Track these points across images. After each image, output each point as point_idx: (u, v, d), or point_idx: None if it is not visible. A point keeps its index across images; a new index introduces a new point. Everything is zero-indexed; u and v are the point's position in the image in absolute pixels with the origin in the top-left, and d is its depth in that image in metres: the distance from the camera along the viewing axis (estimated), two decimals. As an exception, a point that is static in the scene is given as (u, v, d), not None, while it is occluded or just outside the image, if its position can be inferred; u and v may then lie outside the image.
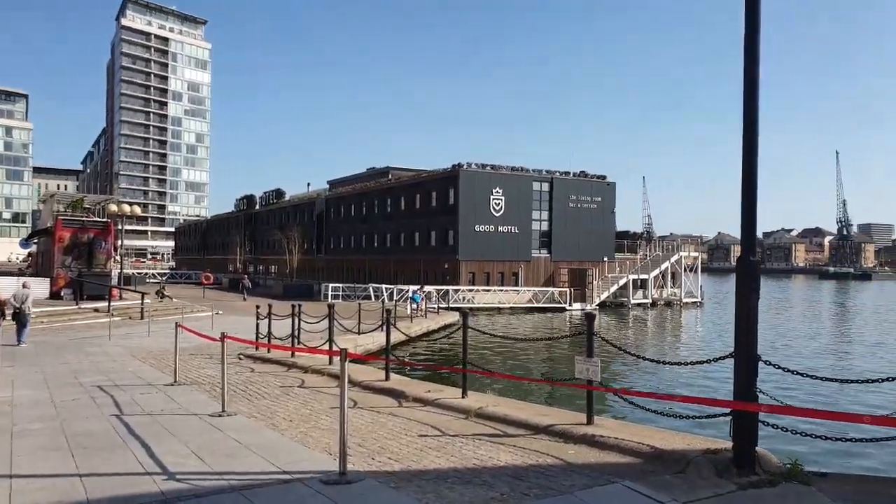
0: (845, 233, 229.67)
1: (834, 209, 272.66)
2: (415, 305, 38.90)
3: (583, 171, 66.52)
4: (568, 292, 56.78)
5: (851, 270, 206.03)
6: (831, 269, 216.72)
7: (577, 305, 56.16)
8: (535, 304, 55.09)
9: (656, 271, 64.46)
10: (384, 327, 15.86)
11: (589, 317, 10.31)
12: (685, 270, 67.06)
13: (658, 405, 13.08)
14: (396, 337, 24.02)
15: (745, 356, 7.94)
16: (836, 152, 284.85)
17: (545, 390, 21.23)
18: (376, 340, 25.10)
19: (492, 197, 59.35)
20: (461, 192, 58.38)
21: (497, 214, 59.49)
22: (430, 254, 60.74)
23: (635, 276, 62.56)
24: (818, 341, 37.03)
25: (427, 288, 48.95)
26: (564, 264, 61.78)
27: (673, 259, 66.59)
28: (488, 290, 54.41)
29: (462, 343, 12.95)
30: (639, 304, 61.30)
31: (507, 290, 55.30)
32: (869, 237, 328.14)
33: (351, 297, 52.43)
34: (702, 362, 9.75)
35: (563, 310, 54.68)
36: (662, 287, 65.28)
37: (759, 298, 7.59)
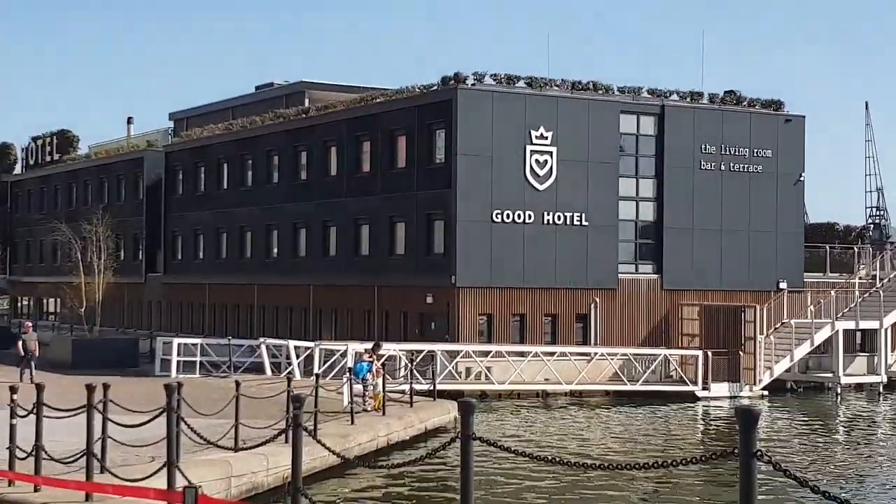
0: None
1: None
2: (362, 386, 30.26)
3: (730, 92, 48.03)
4: (701, 359, 42.00)
5: None
6: None
7: (721, 387, 42.21)
8: (627, 387, 41.75)
9: None
10: (290, 437, 12.38)
11: (746, 415, 6.96)
12: None
13: None
14: (321, 459, 20.34)
15: None
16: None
17: None
18: (274, 465, 19.75)
19: (529, 148, 44.10)
20: (461, 136, 44.02)
21: (540, 187, 44.20)
22: (394, 274, 47.50)
23: (851, 325, 44.71)
24: None
25: (388, 348, 38.27)
26: (692, 296, 46.56)
27: None
28: (522, 354, 41.81)
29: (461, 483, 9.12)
30: (859, 386, 45.91)
31: (562, 354, 42.55)
32: None
33: (221, 366, 43.88)
34: None
35: (692, 397, 41.27)
36: None
37: None
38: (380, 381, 29.35)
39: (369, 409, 28.14)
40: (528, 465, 22.93)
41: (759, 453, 6.76)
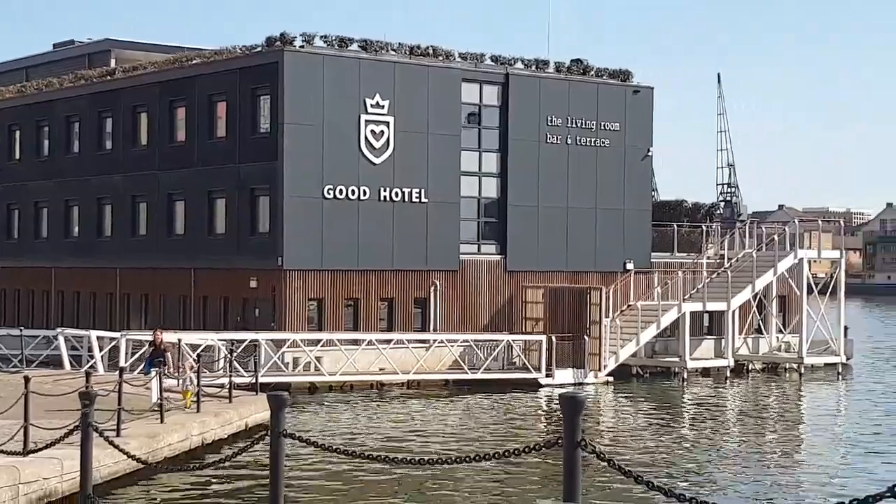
0: None
1: None
2: (161, 377, 28.49)
3: (577, 61, 49.51)
4: (544, 345, 42.71)
5: None
6: None
7: (565, 374, 43.07)
8: (468, 375, 42.19)
9: (745, 294, 47.49)
10: (83, 437, 13.32)
11: (570, 404, 7.33)
12: (813, 292, 50.29)
13: None
14: (126, 462, 19.40)
15: None
16: None
17: None
18: (70, 469, 18.75)
19: (364, 118, 44.49)
20: (288, 104, 44.17)
21: (377, 160, 44.75)
22: (213, 255, 47.00)
23: (698, 307, 46.25)
24: None
25: (206, 338, 38.91)
26: (536, 278, 47.32)
27: (784, 266, 48.65)
28: (355, 342, 42.20)
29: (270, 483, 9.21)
30: (706, 371, 47.55)
31: (399, 341, 42.87)
32: None
33: (11, 360, 43.19)
34: None
35: (535, 385, 42.00)
36: (761, 329, 49.82)
37: None
38: (187, 374, 29.15)
39: (181, 403, 27.74)
40: (354, 463, 23.18)
41: (583, 442, 7.03)
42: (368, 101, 42.95)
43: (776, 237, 49.53)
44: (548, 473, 22.55)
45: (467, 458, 8.48)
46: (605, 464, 7.30)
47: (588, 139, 47.28)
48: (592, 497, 18.30)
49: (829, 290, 49.92)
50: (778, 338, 49.45)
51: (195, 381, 28.29)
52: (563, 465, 7.18)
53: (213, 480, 22.55)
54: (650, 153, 49.27)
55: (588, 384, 41.45)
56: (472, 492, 22.03)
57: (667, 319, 44.40)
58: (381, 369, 40.50)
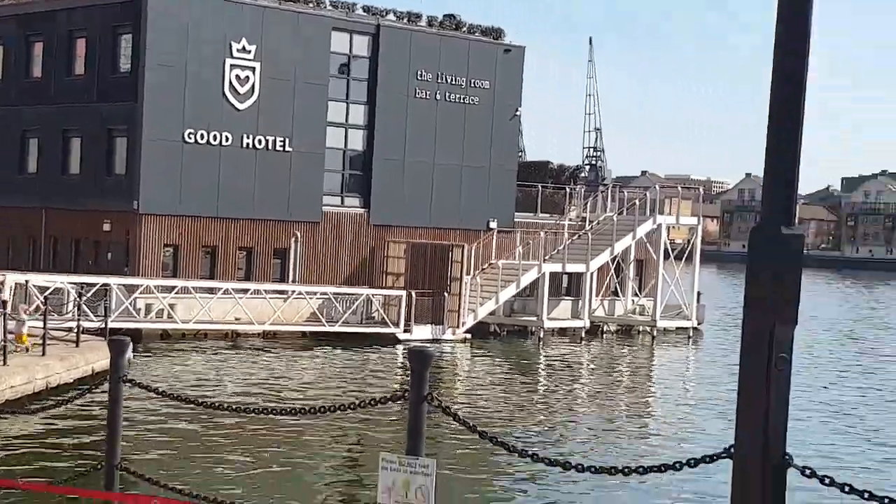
0: None
1: None
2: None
3: (450, 16, 49.27)
4: (405, 299, 42.60)
5: None
6: None
7: (423, 330, 42.99)
8: (326, 328, 41.78)
9: (604, 257, 47.84)
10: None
11: (418, 358, 7.18)
12: (670, 257, 50.73)
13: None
14: None
15: (756, 458, 5.12)
16: None
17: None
18: None
19: (229, 62, 43.23)
20: (150, 44, 42.51)
21: (241, 106, 43.54)
22: (66, 196, 45.21)
23: (557, 267, 46.43)
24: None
25: (41, 280, 37.11)
26: (400, 233, 47.04)
27: (643, 230, 49.11)
28: (211, 291, 41.13)
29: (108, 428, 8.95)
30: (563, 331, 47.75)
31: (257, 292, 42.11)
32: None
33: None
34: (658, 469, 6.11)
35: (393, 340, 41.83)
36: (617, 292, 50.49)
37: (794, 326, 5.02)
38: (24, 317, 28.25)
39: (17, 347, 27.05)
40: (201, 413, 22.78)
41: (429, 397, 6.98)
42: (234, 46, 41.96)
43: (637, 202, 50.01)
44: (399, 428, 22.54)
45: (312, 410, 8.35)
46: (453, 419, 7.27)
47: (457, 96, 47.05)
48: (440, 452, 18.32)
49: (686, 256, 50.59)
50: (633, 301, 50.07)
51: (37, 325, 27.63)
52: (408, 419, 7.12)
53: (54, 425, 21.97)
54: (518, 113, 49.28)
55: (446, 341, 41.52)
56: (321, 445, 21.87)
57: (526, 279, 44.62)
58: (236, 319, 39.83)
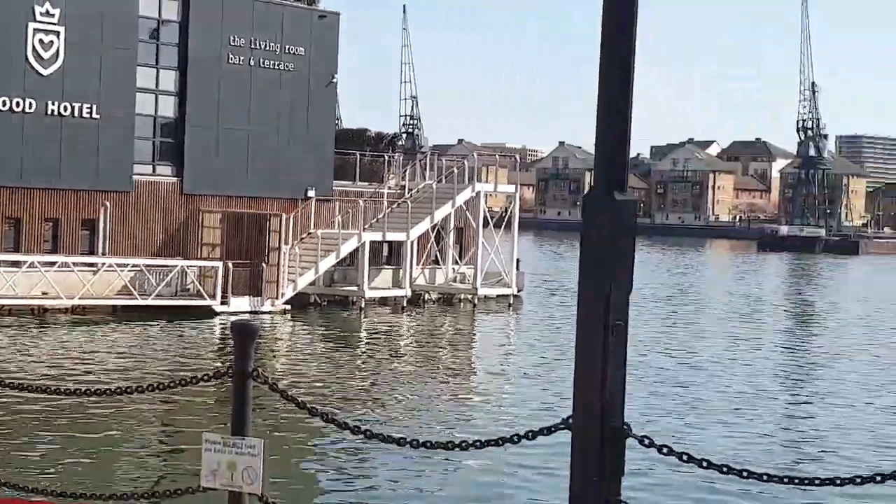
0: (813, 153, 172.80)
1: (794, 103, 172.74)
2: None
3: None
4: (221, 271, 41.73)
5: (822, 233, 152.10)
6: (783, 228, 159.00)
7: (241, 302, 42.05)
8: (139, 301, 40.50)
9: (424, 225, 47.90)
10: None
11: (242, 331, 6.90)
12: (489, 225, 50.75)
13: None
14: None
15: (595, 427, 5.09)
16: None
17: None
18: None
19: (32, 26, 41.24)
20: None
21: (45, 72, 41.66)
22: None
23: (378, 236, 46.55)
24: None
25: None
26: (214, 202, 45.71)
27: (462, 198, 49.14)
28: (16, 264, 39.51)
29: None
30: (384, 301, 47.68)
31: (64, 264, 40.42)
32: (859, 165, 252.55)
33: None
34: (495, 443, 5.94)
35: (210, 312, 40.78)
36: (437, 260, 50.49)
37: (629, 292, 5.05)
38: None
39: None
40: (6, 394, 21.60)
41: (254, 373, 6.73)
42: (38, 9, 40.18)
43: (455, 170, 50.35)
44: (221, 405, 22.04)
45: (129, 390, 7.97)
46: (279, 395, 7.03)
47: (272, 62, 46.20)
48: (265, 429, 17.87)
49: (504, 223, 51.03)
50: (454, 269, 50.31)
51: None
52: (232, 396, 6.85)
53: None
54: (335, 80, 48.74)
55: (265, 312, 40.93)
56: (138, 424, 21.14)
57: (346, 248, 44.35)
58: (43, 293, 38.39)
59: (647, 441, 5.07)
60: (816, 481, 5.14)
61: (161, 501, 14.24)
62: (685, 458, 5.09)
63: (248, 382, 6.75)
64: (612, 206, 5.02)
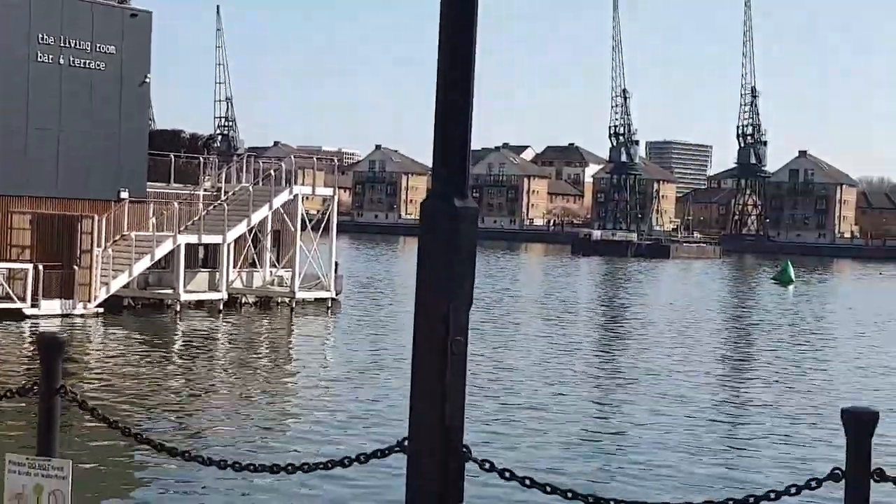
0: (625, 158, 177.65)
1: (607, 109, 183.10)
2: None
3: None
4: (31, 273, 40.64)
5: (634, 237, 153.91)
6: (596, 232, 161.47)
7: (52, 305, 40.79)
8: None
9: (240, 228, 47.05)
10: None
11: (49, 344, 6.58)
12: (307, 227, 50.19)
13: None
14: None
15: (434, 449, 4.78)
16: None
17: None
18: None
19: None
20: None
21: None
22: None
23: (193, 239, 45.45)
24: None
25: None
26: (23, 204, 44.24)
27: (280, 201, 48.41)
28: None
29: None
30: (200, 304, 46.33)
31: None
32: (668, 170, 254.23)
33: None
34: (324, 466, 5.72)
35: (20, 315, 39.36)
36: (255, 263, 49.71)
37: (469, 303, 4.83)
38: None
39: None
40: None
41: (62, 389, 6.21)
42: None
43: (273, 172, 49.49)
44: (28, 423, 20.72)
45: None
46: (90, 414, 6.51)
47: (82, 61, 44.34)
48: (76, 448, 16.72)
49: (322, 226, 50.33)
50: (272, 272, 49.40)
51: None
52: (38, 414, 6.31)
53: None
54: (147, 80, 47.13)
55: (77, 315, 39.33)
56: None
57: (161, 251, 42.92)
58: None
59: (487, 465, 4.79)
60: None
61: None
62: (528, 482, 4.84)
63: (56, 400, 6.23)
64: (451, 213, 4.72)
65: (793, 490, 5.15)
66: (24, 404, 20.04)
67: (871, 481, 4.95)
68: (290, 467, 5.45)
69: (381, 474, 16.19)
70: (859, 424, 4.98)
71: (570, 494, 4.89)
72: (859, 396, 29.40)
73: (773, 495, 5.11)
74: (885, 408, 25.02)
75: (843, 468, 4.99)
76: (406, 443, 4.67)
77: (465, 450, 4.52)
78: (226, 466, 5.70)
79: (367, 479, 16.80)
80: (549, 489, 4.85)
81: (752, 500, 5.09)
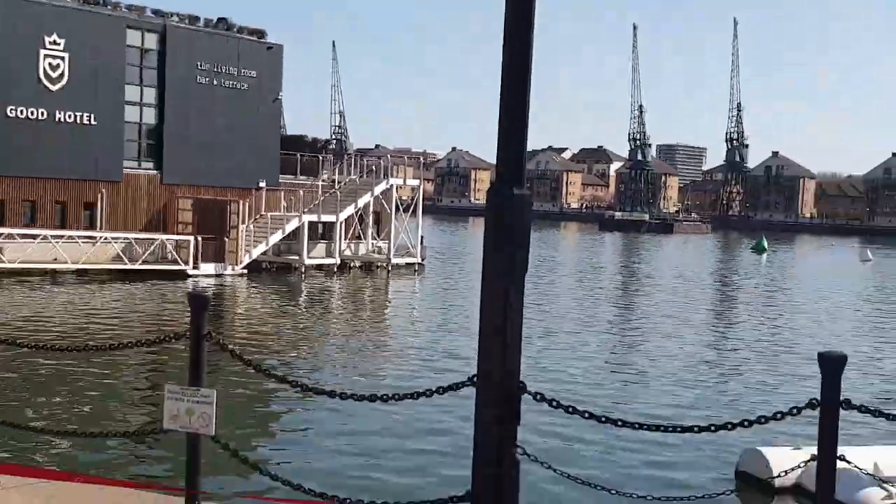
0: (641, 157, 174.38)
1: (627, 120, 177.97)
2: None
3: (223, 20, 45.78)
4: (193, 243, 39.63)
5: (646, 217, 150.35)
6: (617, 213, 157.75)
7: (208, 267, 39.84)
8: (129, 266, 38.01)
9: (349, 209, 46.04)
10: None
11: (196, 301, 6.20)
12: (399, 210, 49.07)
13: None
14: None
15: (500, 386, 4.48)
16: (634, 27, 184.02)
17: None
18: None
19: (43, 53, 38.64)
20: None
21: (54, 88, 38.92)
22: None
23: (314, 218, 44.43)
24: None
25: None
26: (187, 191, 43.51)
27: (379, 189, 47.45)
28: (32, 237, 36.45)
29: None
30: (319, 267, 45.01)
31: (70, 237, 37.76)
32: (673, 166, 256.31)
33: None
34: (411, 396, 5.30)
35: (184, 275, 38.71)
36: (359, 238, 48.17)
37: (525, 270, 4.45)
38: None
39: None
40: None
41: (207, 335, 6.04)
42: (47, 39, 38.23)
43: (374, 168, 49.16)
44: (184, 360, 19.70)
45: (106, 347, 7.18)
46: (230, 355, 6.33)
47: (231, 82, 44.44)
48: (219, 382, 16.21)
49: (411, 209, 49.69)
50: (373, 243, 48.90)
51: None
52: (189, 355, 6.16)
53: None
54: (280, 97, 47.23)
55: (227, 275, 39.61)
56: (118, 373, 19.26)
57: (290, 227, 42.87)
58: (54, 259, 36.63)
59: (539, 397, 4.52)
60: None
61: (132, 440, 13.01)
62: (570, 409, 4.56)
63: (203, 343, 6.07)
64: (511, 198, 4.44)
65: (778, 416, 4.87)
66: (182, 346, 19.82)
67: (840, 409, 4.71)
68: (384, 396, 5.22)
69: (455, 402, 15.56)
70: (832, 364, 4.76)
71: (603, 419, 4.60)
72: (817, 335, 28.60)
73: (763, 420, 4.85)
74: (829, 344, 24.13)
75: (819, 398, 4.82)
76: (475, 378, 4.41)
77: (521, 384, 4.25)
78: (335, 396, 5.49)
79: (445, 403, 16.04)
80: (587, 415, 4.57)
81: (746, 423, 4.81)
